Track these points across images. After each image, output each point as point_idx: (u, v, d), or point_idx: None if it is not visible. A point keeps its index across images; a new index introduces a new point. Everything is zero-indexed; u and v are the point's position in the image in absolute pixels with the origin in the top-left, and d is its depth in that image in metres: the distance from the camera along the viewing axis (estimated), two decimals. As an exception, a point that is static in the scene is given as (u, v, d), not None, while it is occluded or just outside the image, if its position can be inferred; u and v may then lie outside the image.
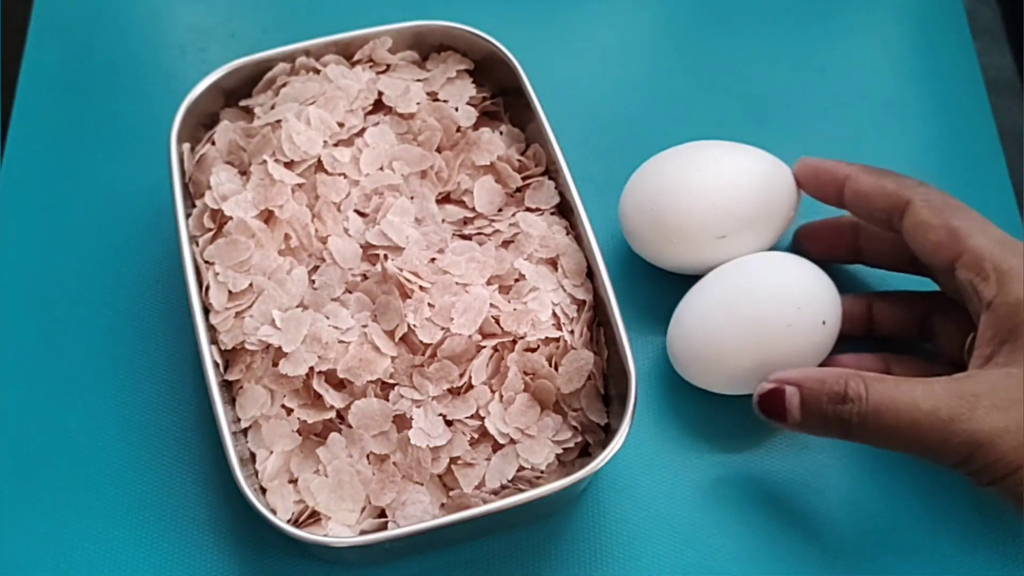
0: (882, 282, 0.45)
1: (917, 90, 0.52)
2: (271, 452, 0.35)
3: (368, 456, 0.35)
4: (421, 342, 0.35)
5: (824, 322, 0.38)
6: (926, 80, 0.52)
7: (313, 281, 0.37)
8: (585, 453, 0.36)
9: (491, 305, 0.36)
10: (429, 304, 0.36)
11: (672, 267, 0.43)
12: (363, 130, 0.40)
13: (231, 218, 0.37)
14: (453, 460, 0.35)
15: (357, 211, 0.39)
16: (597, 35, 0.53)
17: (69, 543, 0.39)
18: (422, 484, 0.35)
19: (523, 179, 0.41)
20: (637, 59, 0.53)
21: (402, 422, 0.35)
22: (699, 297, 0.40)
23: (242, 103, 0.42)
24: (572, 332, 0.37)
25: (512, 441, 0.35)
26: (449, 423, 0.35)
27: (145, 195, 0.46)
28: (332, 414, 0.35)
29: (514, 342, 0.36)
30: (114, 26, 0.52)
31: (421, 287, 0.36)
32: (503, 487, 0.35)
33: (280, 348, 0.35)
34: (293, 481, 0.35)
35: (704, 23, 0.54)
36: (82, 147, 0.48)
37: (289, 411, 0.35)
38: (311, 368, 0.35)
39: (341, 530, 0.34)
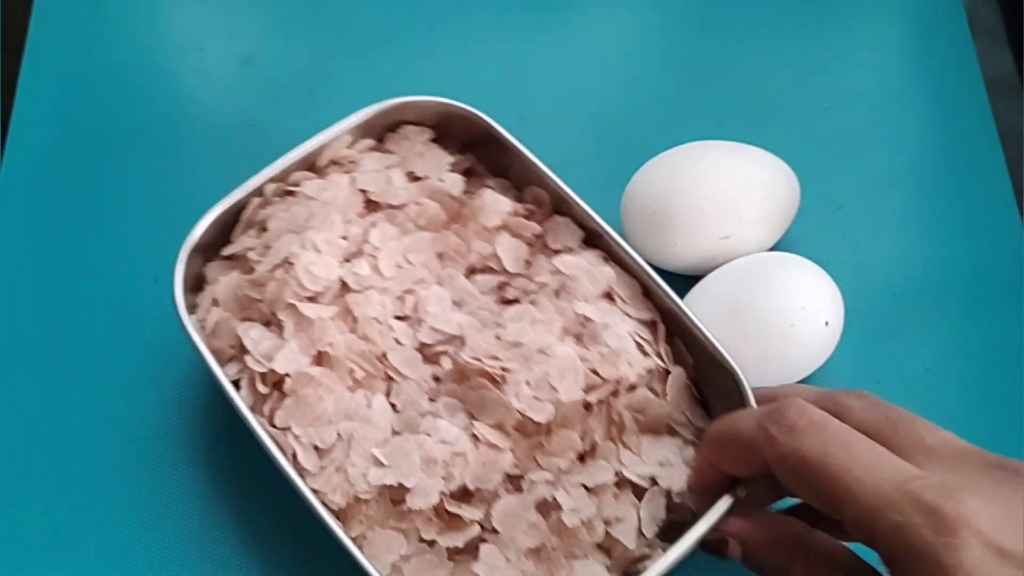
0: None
1: (917, 90, 0.52)
2: None
3: (526, 553, 0.34)
4: (534, 422, 0.34)
5: (827, 323, 0.38)
6: (926, 80, 0.52)
7: (394, 405, 0.36)
8: None
9: (580, 359, 0.35)
10: (526, 383, 0.35)
11: (674, 267, 0.43)
12: (365, 236, 0.39)
13: (287, 375, 0.35)
14: (607, 523, 0.34)
15: (397, 317, 0.38)
16: (599, 37, 0.54)
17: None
18: (587, 557, 0.34)
19: (540, 224, 0.40)
20: (638, 60, 0.53)
21: (543, 507, 0.34)
22: (702, 297, 0.41)
23: (225, 252, 0.39)
24: (660, 354, 0.37)
25: (654, 481, 0.35)
26: (589, 489, 0.34)
27: (147, 198, 0.47)
28: (476, 529, 0.33)
29: (618, 386, 0.36)
30: (113, 26, 0.52)
31: (504, 368, 0.35)
32: (660, 528, 0.34)
33: (400, 484, 0.33)
34: None
35: (705, 24, 0.54)
36: (81, 149, 0.49)
37: (431, 543, 0.34)
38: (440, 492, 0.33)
39: None
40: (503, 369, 0.35)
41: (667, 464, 0.35)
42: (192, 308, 0.38)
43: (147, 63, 0.51)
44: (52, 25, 0.52)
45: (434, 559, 0.33)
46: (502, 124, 0.40)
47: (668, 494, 0.35)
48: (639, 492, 0.35)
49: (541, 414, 0.34)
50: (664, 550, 0.33)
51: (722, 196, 0.41)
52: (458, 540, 0.33)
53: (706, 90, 0.52)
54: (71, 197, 0.46)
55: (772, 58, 0.53)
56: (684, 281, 0.42)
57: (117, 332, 0.44)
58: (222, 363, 0.36)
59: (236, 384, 0.36)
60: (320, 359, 0.36)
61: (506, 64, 0.52)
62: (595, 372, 0.35)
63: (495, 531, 0.34)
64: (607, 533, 0.34)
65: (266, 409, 0.35)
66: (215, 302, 0.38)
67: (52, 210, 0.47)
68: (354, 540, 0.33)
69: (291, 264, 0.36)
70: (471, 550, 0.34)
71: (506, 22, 0.53)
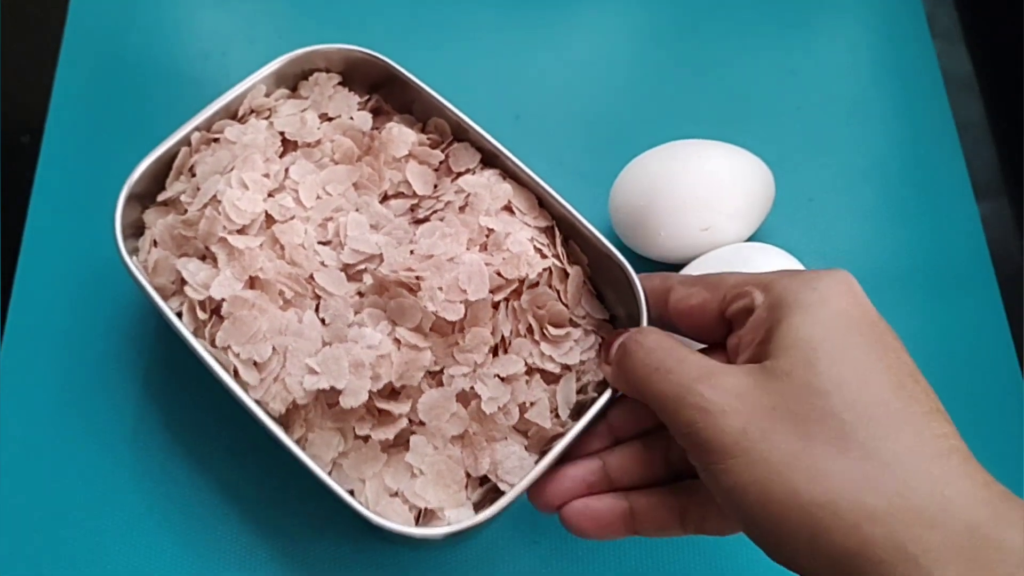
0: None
1: (881, 89, 0.56)
2: (364, 481, 0.37)
3: (451, 440, 0.38)
4: (448, 322, 0.38)
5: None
6: (889, 80, 0.56)
7: (323, 320, 0.39)
8: None
9: (485, 264, 0.39)
10: (439, 288, 0.38)
11: (659, 257, 0.46)
12: (286, 172, 0.42)
13: (223, 300, 0.38)
14: (521, 407, 0.38)
15: (320, 243, 0.41)
16: (589, 43, 0.57)
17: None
18: (507, 439, 0.38)
19: (442, 151, 0.44)
20: (625, 64, 0.56)
21: (463, 397, 0.38)
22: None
23: (160, 198, 0.43)
24: (557, 255, 0.41)
25: (565, 368, 0.39)
26: (504, 379, 0.38)
27: None
28: (404, 422, 0.37)
29: (520, 286, 0.39)
30: (141, 34, 0.55)
31: (419, 277, 0.38)
32: (571, 409, 0.38)
33: (333, 388, 0.36)
34: (395, 495, 0.37)
35: (687, 31, 0.57)
36: (112, 151, 0.51)
37: (366, 439, 0.37)
38: (369, 391, 0.36)
39: (462, 513, 0.37)
40: (417, 278, 0.38)
41: (571, 352, 0.39)
42: (134, 251, 0.41)
43: (172, 67, 0.54)
44: (84, 32, 0.55)
45: (369, 452, 0.37)
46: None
47: (577, 376, 0.39)
48: (550, 378, 0.39)
49: (453, 313, 0.38)
50: (569, 422, 0.38)
51: (702, 191, 0.44)
52: (389, 433, 0.37)
53: (688, 92, 0.55)
54: (102, 199, 0.47)
55: (748, 62, 0.56)
56: (668, 270, 0.43)
57: (69, 277, 0.48)
58: (165, 298, 0.40)
59: (179, 315, 0.39)
60: (252, 283, 0.39)
61: (502, 69, 0.55)
62: (499, 274, 0.39)
63: (422, 423, 0.38)
64: (523, 417, 0.38)
65: (206, 332, 0.39)
66: (154, 243, 0.41)
67: (84, 211, 0.49)
68: (297, 442, 0.37)
69: (218, 201, 0.40)
70: (402, 442, 0.38)
71: (502, 31, 0.57)
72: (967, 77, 0.57)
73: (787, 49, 0.57)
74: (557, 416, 0.38)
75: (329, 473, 0.37)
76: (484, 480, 0.38)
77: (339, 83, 0.45)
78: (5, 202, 0.50)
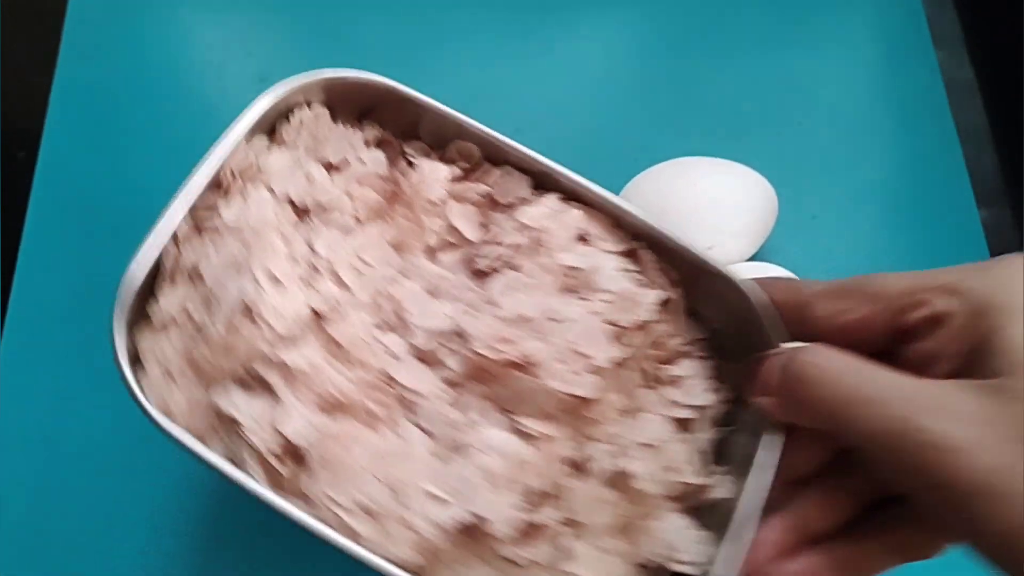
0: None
1: (883, 101, 0.56)
2: None
3: (608, 534, 0.32)
4: (579, 398, 0.31)
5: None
6: (891, 91, 0.56)
7: (423, 428, 0.32)
8: None
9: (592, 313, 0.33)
10: (556, 361, 0.31)
11: (661, 276, 0.46)
12: (311, 249, 0.33)
13: (303, 445, 0.30)
14: (672, 471, 0.33)
15: (376, 327, 0.33)
16: (590, 59, 0.57)
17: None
18: (663, 512, 0.33)
19: (478, 180, 0.36)
20: (626, 81, 0.56)
21: (614, 480, 0.32)
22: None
23: (155, 317, 0.32)
24: (653, 282, 0.35)
25: (698, 408, 0.34)
26: (649, 446, 0.33)
27: None
28: (561, 529, 0.31)
29: (640, 330, 0.33)
30: (138, 49, 0.55)
31: (525, 351, 0.31)
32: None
33: (473, 514, 0.30)
34: None
35: (689, 47, 0.57)
36: (109, 165, 0.51)
37: (519, 564, 0.31)
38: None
39: None
40: (524, 352, 0.31)
41: (695, 389, 0.34)
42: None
43: (169, 81, 0.54)
44: (80, 46, 0.54)
45: None
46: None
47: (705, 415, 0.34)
48: (684, 424, 0.34)
49: (586, 388, 0.31)
50: (720, 475, 0.33)
51: (706, 210, 0.43)
52: (545, 548, 0.31)
53: (690, 109, 0.55)
54: (98, 211, 0.49)
55: (750, 78, 0.56)
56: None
57: (67, 291, 0.47)
58: (204, 442, 0.31)
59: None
60: (328, 407, 0.31)
61: (502, 83, 0.55)
62: (613, 323, 0.33)
63: (578, 523, 0.31)
64: (673, 481, 0.33)
65: (285, 483, 0.30)
66: (168, 376, 0.31)
67: (81, 220, 0.49)
68: None
69: (250, 310, 0.31)
70: (564, 552, 0.32)
71: (502, 45, 0.57)
72: (968, 82, 0.57)
73: (788, 62, 0.57)
74: (698, 462, 0.34)
75: None
76: (651, 567, 0.33)
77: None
78: (1, 218, 0.49)
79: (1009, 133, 0.55)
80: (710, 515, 0.34)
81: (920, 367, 0.29)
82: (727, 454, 0.35)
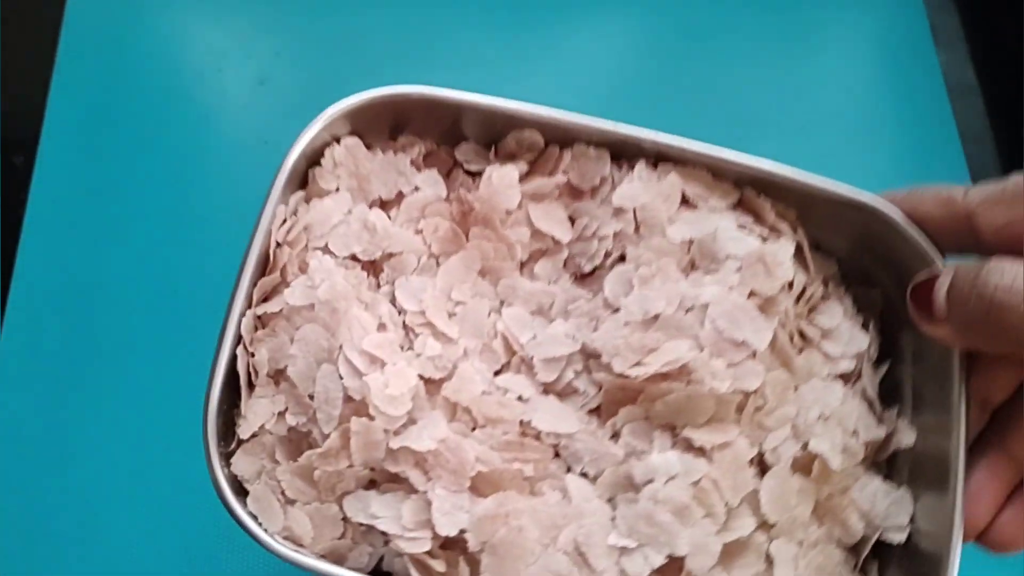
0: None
1: (885, 105, 0.55)
2: None
3: (807, 525, 0.29)
4: (747, 392, 0.28)
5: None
6: (893, 94, 0.56)
7: (584, 474, 0.28)
8: None
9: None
10: (710, 356, 0.28)
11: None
12: (393, 304, 0.29)
13: (464, 537, 0.26)
14: (853, 433, 0.30)
15: (496, 374, 0.29)
16: (587, 60, 0.56)
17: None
18: (852, 479, 0.30)
19: (552, 171, 0.31)
20: (628, 84, 0.55)
21: (798, 465, 0.29)
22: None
23: (244, 435, 0.28)
24: (776, 229, 0.31)
25: (858, 355, 0.31)
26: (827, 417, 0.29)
27: (167, 215, 0.49)
28: (758, 537, 0.28)
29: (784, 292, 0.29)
30: (135, 54, 0.54)
31: (670, 359, 0.27)
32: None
33: (670, 556, 0.27)
34: None
35: (687, 48, 0.57)
36: (107, 172, 0.50)
37: None
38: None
39: None
40: (669, 360, 0.27)
41: (853, 334, 0.30)
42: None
43: (167, 86, 0.53)
44: (77, 52, 0.54)
45: None
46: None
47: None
48: (847, 377, 0.30)
49: (752, 379, 0.28)
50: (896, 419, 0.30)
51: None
52: (750, 561, 0.28)
53: (691, 112, 0.53)
54: (97, 216, 0.49)
55: (752, 80, 0.55)
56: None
57: (63, 299, 0.47)
58: (342, 561, 0.27)
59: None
60: (476, 484, 0.27)
61: (504, 82, 0.54)
62: (754, 293, 0.29)
63: (772, 525, 0.28)
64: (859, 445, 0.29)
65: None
66: (287, 501, 0.27)
67: (76, 227, 0.49)
68: None
69: (355, 400, 0.27)
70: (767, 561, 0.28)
71: (504, 47, 0.56)
72: (970, 84, 0.57)
73: (790, 66, 0.57)
74: (873, 412, 0.30)
75: None
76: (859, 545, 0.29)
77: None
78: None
79: (1011, 134, 0.55)
80: (895, 467, 0.30)
81: None
82: (891, 392, 0.31)
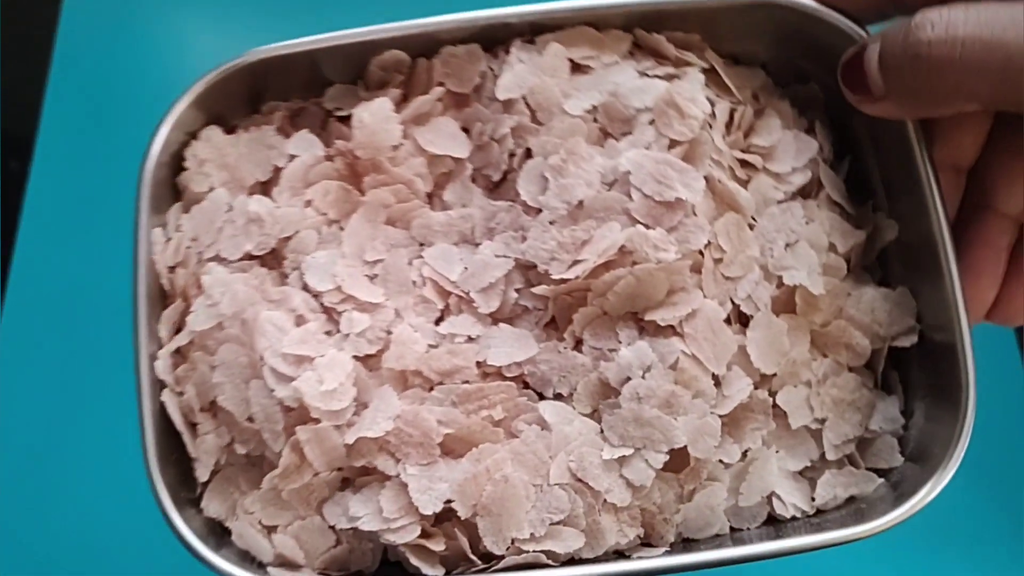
0: None
1: None
2: None
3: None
4: (696, 252, 0.25)
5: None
6: None
7: (566, 396, 0.26)
8: None
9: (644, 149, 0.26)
10: (647, 227, 0.25)
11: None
12: (305, 288, 0.27)
13: (451, 504, 0.24)
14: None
15: (437, 322, 0.27)
16: None
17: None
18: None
19: (427, 86, 0.28)
20: None
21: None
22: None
23: (204, 495, 0.27)
24: (679, 59, 0.28)
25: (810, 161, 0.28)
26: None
27: None
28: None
29: (703, 127, 0.27)
30: (131, 58, 0.52)
31: (606, 244, 0.25)
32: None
33: (671, 450, 0.25)
34: None
35: None
36: (103, 177, 0.48)
37: None
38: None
39: None
40: (606, 248, 0.25)
41: (791, 147, 0.28)
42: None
43: (164, 89, 0.50)
44: (73, 57, 0.52)
45: None
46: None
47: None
48: (805, 191, 0.28)
49: (698, 235, 0.25)
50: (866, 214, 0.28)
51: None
52: (764, 423, 0.26)
53: None
54: (88, 219, 0.47)
55: None
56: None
57: (60, 304, 0.46)
58: (348, 566, 0.26)
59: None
60: (451, 450, 0.25)
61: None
62: (674, 142, 0.26)
63: (772, 377, 0.26)
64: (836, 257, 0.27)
65: (452, 557, 0.25)
66: (264, 528, 0.26)
67: (72, 232, 0.48)
68: None
69: (296, 407, 0.24)
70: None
71: None
72: None
73: None
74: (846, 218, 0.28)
75: None
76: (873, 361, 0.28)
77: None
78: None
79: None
80: (886, 267, 0.28)
81: None
82: (862, 188, 0.29)
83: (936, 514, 0.40)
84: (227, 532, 0.26)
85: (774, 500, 0.26)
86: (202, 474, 0.26)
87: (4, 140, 0.51)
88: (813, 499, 0.26)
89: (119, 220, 0.46)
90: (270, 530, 0.25)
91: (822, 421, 0.26)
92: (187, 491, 0.26)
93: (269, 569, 0.25)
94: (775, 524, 0.26)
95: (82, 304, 0.46)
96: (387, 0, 0.50)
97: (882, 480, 0.26)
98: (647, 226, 0.25)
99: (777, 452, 0.26)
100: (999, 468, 0.43)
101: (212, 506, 0.26)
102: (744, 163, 0.27)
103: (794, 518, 0.26)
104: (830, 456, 0.26)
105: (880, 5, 0.26)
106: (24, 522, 0.43)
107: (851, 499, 0.26)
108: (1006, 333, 0.45)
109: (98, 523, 0.42)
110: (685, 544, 0.26)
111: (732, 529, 0.26)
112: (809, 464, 0.26)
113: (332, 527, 0.25)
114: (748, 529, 0.26)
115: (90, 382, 0.44)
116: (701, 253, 0.25)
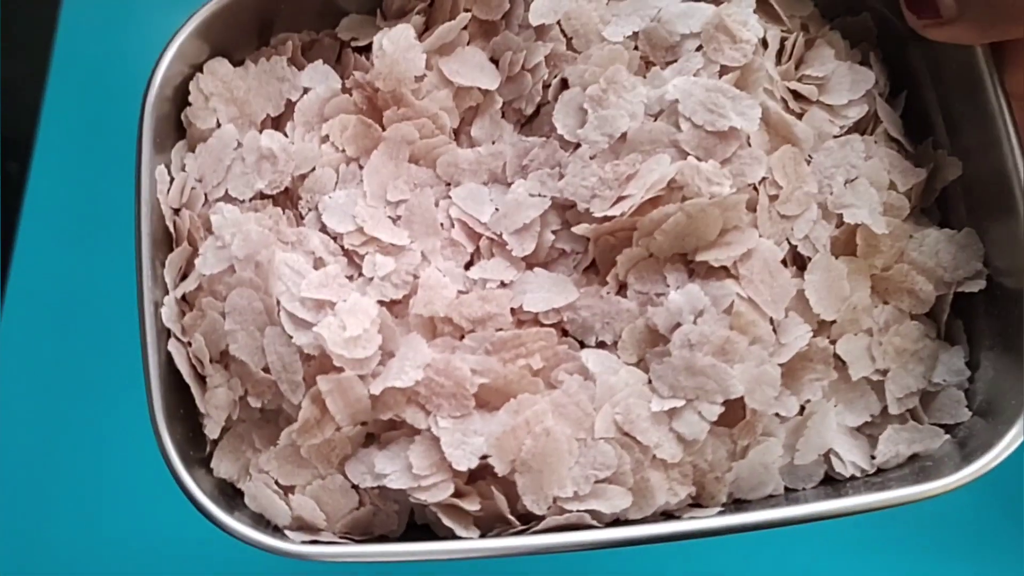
0: None
1: None
2: None
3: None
4: (751, 186, 0.24)
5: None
6: None
7: (609, 344, 0.24)
8: None
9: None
10: (698, 159, 0.23)
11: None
12: (323, 230, 0.25)
13: (489, 464, 0.22)
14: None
15: (468, 266, 0.25)
16: None
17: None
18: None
19: (452, 12, 0.26)
20: None
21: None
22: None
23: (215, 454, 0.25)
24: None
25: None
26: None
27: None
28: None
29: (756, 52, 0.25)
30: (131, 58, 0.46)
31: (654, 178, 0.23)
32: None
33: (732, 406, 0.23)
34: None
35: None
36: (102, 180, 0.47)
37: None
38: None
39: None
40: (653, 182, 0.23)
41: (845, 79, 0.26)
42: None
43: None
44: (72, 57, 0.51)
45: None
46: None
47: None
48: (861, 126, 0.26)
49: (755, 168, 0.23)
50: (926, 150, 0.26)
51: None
52: (824, 373, 0.24)
53: None
54: (87, 222, 0.47)
55: None
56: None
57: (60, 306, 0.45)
58: (372, 528, 0.24)
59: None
60: (486, 402, 0.23)
61: None
62: (725, 69, 0.24)
63: (831, 324, 0.24)
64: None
65: (486, 517, 0.23)
66: (281, 489, 0.24)
67: (72, 235, 0.47)
68: None
69: (317, 355, 0.23)
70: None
71: None
72: None
73: None
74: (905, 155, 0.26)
75: None
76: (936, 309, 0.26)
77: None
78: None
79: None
80: (949, 207, 0.26)
81: None
82: (920, 123, 0.27)
83: (936, 514, 0.40)
84: (239, 495, 0.24)
85: (832, 458, 0.24)
86: (212, 431, 0.24)
87: (3, 141, 0.51)
88: (873, 457, 0.24)
89: (118, 221, 0.45)
90: (287, 491, 0.23)
91: (884, 372, 0.24)
92: (195, 450, 0.24)
93: (287, 533, 0.23)
94: (832, 484, 0.24)
95: (82, 304, 0.46)
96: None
97: (948, 436, 0.24)
98: (699, 158, 0.23)
99: (836, 406, 0.24)
100: (999, 468, 0.41)
101: (223, 466, 0.24)
102: (797, 95, 0.25)
103: (853, 477, 0.24)
104: (892, 410, 0.24)
105: None
106: (24, 518, 0.43)
107: (914, 457, 0.24)
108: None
109: (102, 515, 0.42)
110: (736, 504, 0.24)
111: (787, 489, 0.24)
112: (869, 419, 0.24)
113: (355, 487, 0.23)
114: (804, 489, 0.24)
115: (90, 382, 0.44)
116: (756, 189, 0.23)
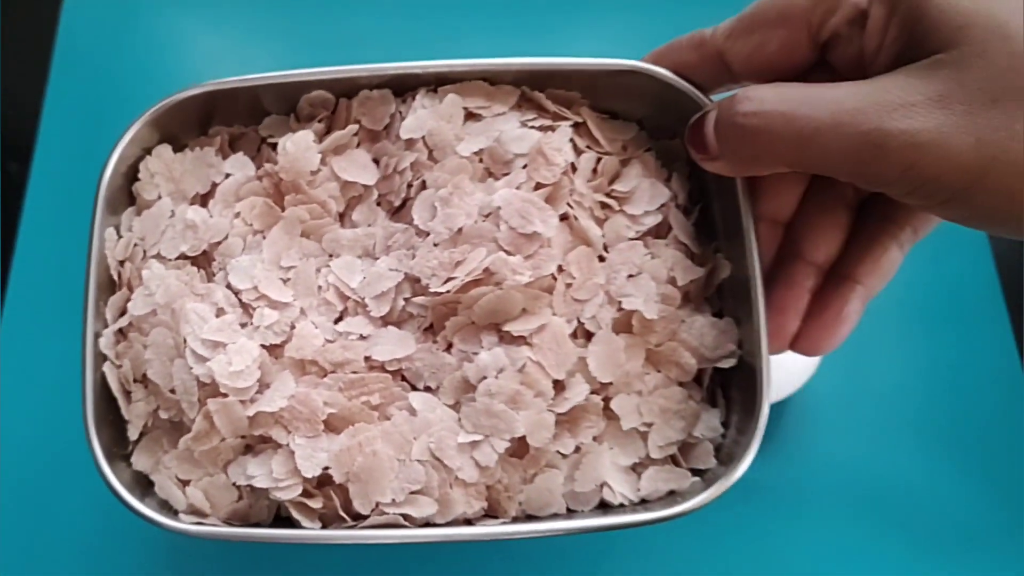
0: None
1: None
2: None
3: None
4: (550, 276, 0.31)
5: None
6: None
7: (430, 388, 0.32)
8: None
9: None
10: (509, 254, 0.31)
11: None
12: (228, 286, 0.32)
13: (327, 469, 0.30)
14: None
15: (337, 320, 0.32)
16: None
17: None
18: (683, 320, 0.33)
19: (345, 122, 0.34)
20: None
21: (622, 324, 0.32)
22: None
23: (135, 452, 0.32)
24: (554, 115, 0.33)
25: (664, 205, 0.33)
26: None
27: None
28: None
29: (565, 173, 0.32)
30: (132, 60, 0.54)
31: (474, 266, 0.31)
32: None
33: (514, 440, 0.30)
34: None
35: None
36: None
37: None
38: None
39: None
40: (472, 269, 0.30)
41: (647, 191, 0.33)
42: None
43: (163, 92, 0.53)
44: (73, 59, 0.54)
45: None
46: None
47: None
48: (657, 231, 0.33)
49: (549, 264, 0.30)
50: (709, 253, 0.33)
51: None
52: (596, 423, 0.31)
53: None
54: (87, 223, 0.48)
55: None
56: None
57: (60, 307, 0.46)
58: (248, 518, 0.31)
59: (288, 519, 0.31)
60: (333, 427, 0.30)
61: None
62: (541, 185, 0.31)
63: (608, 385, 0.31)
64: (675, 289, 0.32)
65: (330, 516, 0.30)
66: (183, 483, 0.31)
67: (72, 236, 0.45)
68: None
69: (209, 383, 0.30)
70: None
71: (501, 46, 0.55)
72: None
73: None
74: (689, 256, 0.33)
75: None
76: (700, 377, 0.33)
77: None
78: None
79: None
80: (723, 299, 0.33)
81: (856, 73, 0.27)
82: (710, 230, 0.33)
83: (936, 514, 0.43)
84: (152, 484, 0.31)
85: (605, 488, 0.31)
86: (133, 434, 0.32)
87: (4, 142, 0.52)
88: (639, 490, 0.31)
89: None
90: (184, 483, 0.31)
91: (649, 425, 0.31)
92: (120, 448, 0.32)
93: (181, 515, 0.30)
94: (606, 509, 0.31)
95: (82, 304, 0.47)
96: (325, 43, 0.54)
97: (697, 479, 0.31)
98: (509, 253, 0.30)
99: (611, 448, 0.31)
100: (999, 468, 0.44)
101: (140, 460, 0.32)
102: (604, 205, 0.32)
103: (622, 504, 0.31)
104: (654, 455, 0.31)
105: (720, 77, 0.31)
106: (24, 520, 0.44)
107: (671, 492, 0.31)
108: (1006, 334, 0.49)
109: (97, 526, 0.44)
110: (528, 518, 0.31)
111: (569, 510, 0.31)
112: (638, 460, 0.31)
113: (235, 484, 0.30)
114: (583, 511, 0.31)
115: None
116: (555, 278, 0.31)
